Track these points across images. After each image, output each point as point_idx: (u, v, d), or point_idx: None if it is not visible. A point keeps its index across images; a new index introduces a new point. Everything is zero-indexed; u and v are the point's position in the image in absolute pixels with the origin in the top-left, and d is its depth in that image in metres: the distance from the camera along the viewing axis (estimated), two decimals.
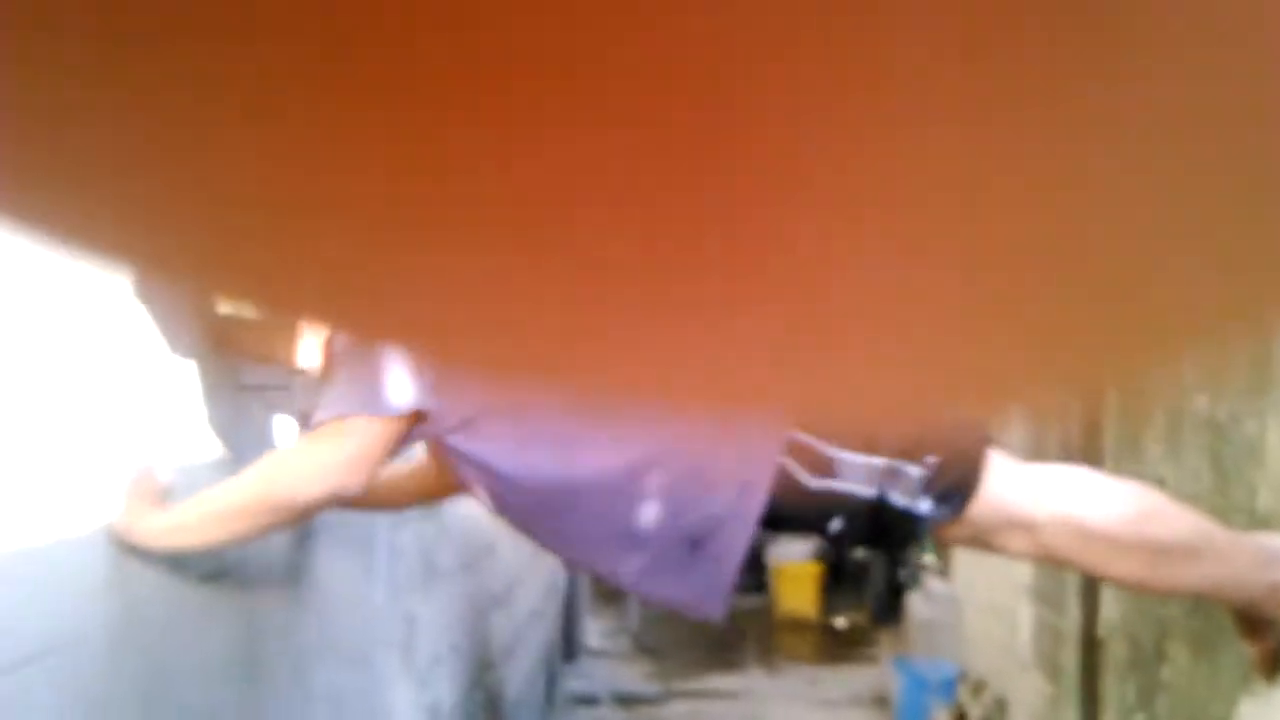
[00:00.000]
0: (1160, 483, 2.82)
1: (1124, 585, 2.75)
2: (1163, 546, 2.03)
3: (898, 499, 1.94)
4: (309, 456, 1.89)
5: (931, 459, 1.95)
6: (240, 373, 2.26)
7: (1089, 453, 3.39)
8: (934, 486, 1.95)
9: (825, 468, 1.93)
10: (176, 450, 2.04)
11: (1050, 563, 2.23)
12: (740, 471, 1.94)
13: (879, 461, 1.92)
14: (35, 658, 1.64)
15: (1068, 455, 3.52)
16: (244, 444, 2.25)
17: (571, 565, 2.31)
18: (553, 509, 2.03)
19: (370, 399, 1.86)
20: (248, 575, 2.29)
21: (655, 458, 1.94)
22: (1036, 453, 4.10)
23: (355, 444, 1.85)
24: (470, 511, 3.78)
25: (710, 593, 2.08)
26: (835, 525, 1.98)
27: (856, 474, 1.93)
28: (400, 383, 1.87)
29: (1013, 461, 2.13)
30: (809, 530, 2.01)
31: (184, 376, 2.06)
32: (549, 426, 1.94)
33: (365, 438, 1.86)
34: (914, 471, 1.94)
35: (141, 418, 1.93)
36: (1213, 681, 2.55)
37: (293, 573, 2.51)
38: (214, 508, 1.90)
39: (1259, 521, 2.33)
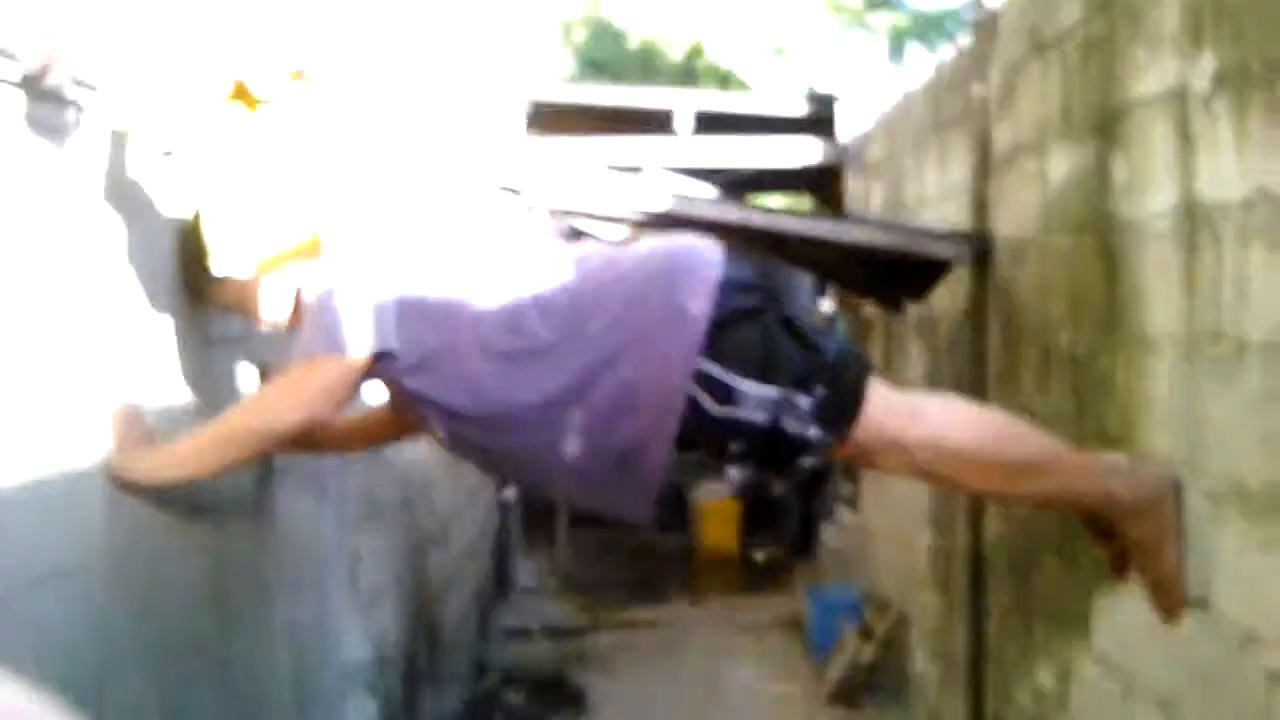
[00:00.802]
0: (1031, 411, 3.16)
1: (982, 496, 3.11)
2: (1014, 464, 2.38)
3: (790, 425, 2.24)
4: (286, 391, 2.16)
5: (820, 390, 2.25)
6: (208, 327, 2.50)
7: (975, 384, 3.73)
8: (821, 415, 2.25)
9: (727, 398, 2.23)
10: (151, 397, 2.27)
11: (920, 478, 2.55)
12: (658, 398, 2.23)
13: (773, 392, 2.22)
14: (49, 578, 1.89)
15: (958, 386, 3.87)
16: (211, 392, 2.49)
17: (518, 484, 2.60)
18: (498, 436, 2.32)
19: (338, 341, 2.12)
20: (217, 513, 2.53)
21: (583, 388, 2.23)
22: (932, 382, 4.45)
23: (325, 379, 2.12)
24: (408, 455, 4.04)
25: (637, 501, 2.38)
26: (735, 447, 2.28)
27: (753, 403, 2.22)
28: (364, 327, 2.13)
29: (890, 390, 2.45)
30: (714, 452, 2.31)
31: (157, 331, 2.29)
32: (490, 363, 2.22)
33: (334, 374, 2.13)
34: (803, 402, 2.24)
35: (121, 368, 2.17)
36: (1075, 583, 2.90)
37: (254, 511, 2.75)
38: (204, 440, 2.16)
39: (1110, 443, 2.67)
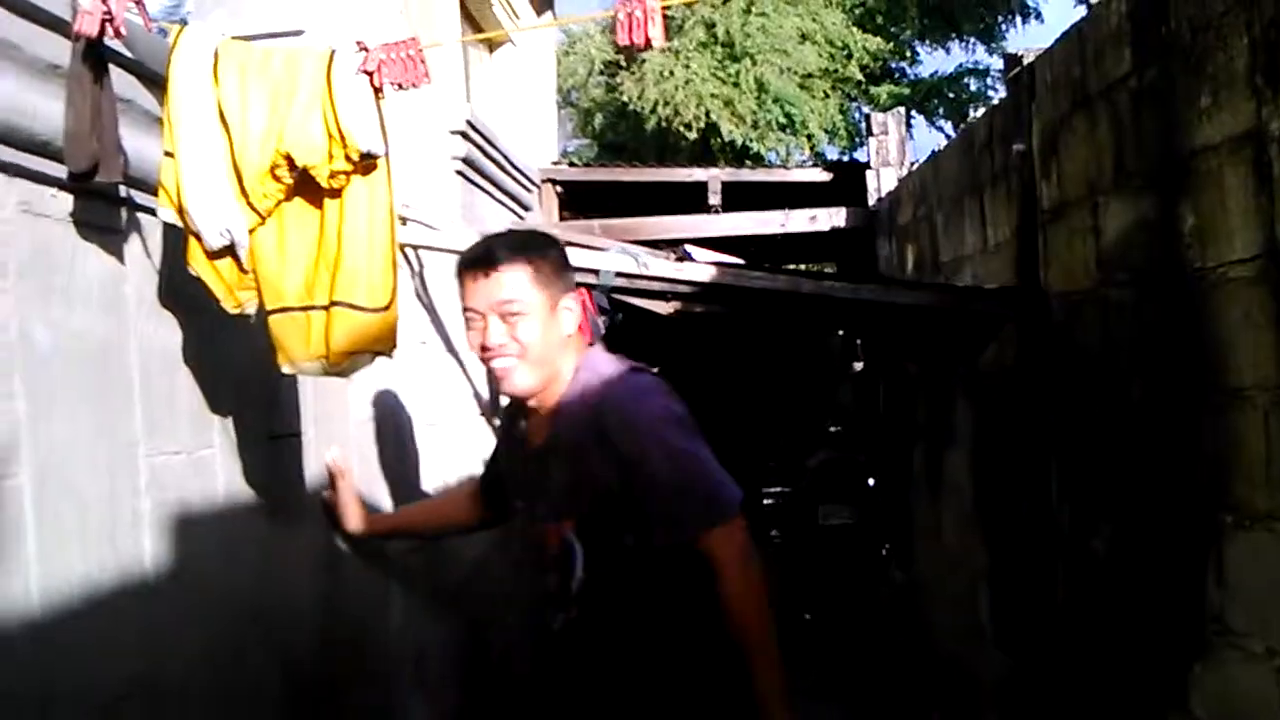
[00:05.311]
0: (1101, 468, 3.08)
1: None
2: None
3: None
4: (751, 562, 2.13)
5: None
6: (271, 422, 2.45)
7: (1033, 440, 3.65)
8: None
9: None
10: (218, 493, 2.22)
11: None
12: None
13: None
14: (119, 700, 1.83)
15: (1013, 441, 3.80)
16: (274, 487, 2.44)
17: None
18: None
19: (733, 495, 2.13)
20: (287, 614, 2.47)
21: None
22: (981, 440, 4.37)
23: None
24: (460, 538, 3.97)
25: None
26: None
27: None
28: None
29: None
30: None
31: (221, 428, 2.24)
32: None
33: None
34: None
35: (184, 468, 2.12)
36: (1166, 646, 2.80)
37: (324, 606, 2.69)
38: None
39: (1198, 496, 2.59)
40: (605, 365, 2.18)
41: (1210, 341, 2.47)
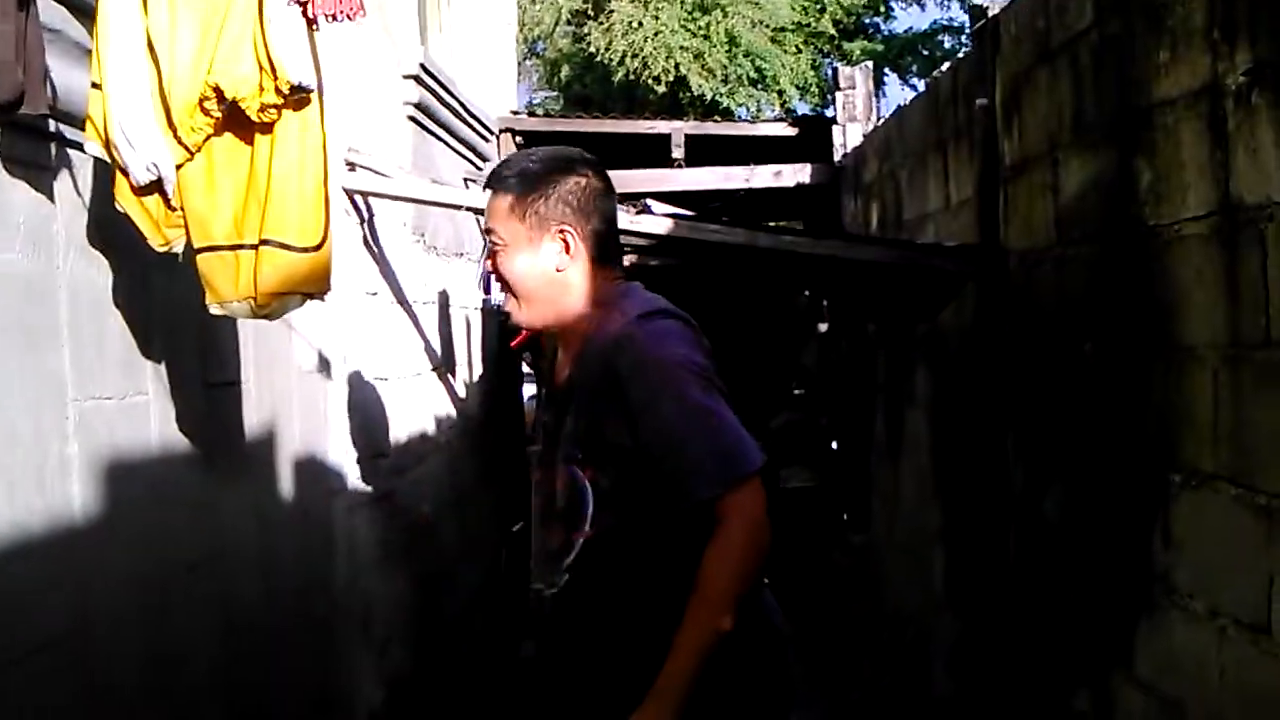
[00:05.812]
0: (1057, 425, 3.07)
1: None
2: None
3: None
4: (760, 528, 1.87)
5: None
6: (207, 371, 2.40)
7: (990, 399, 3.64)
8: None
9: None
10: (149, 443, 2.17)
11: None
12: None
13: None
14: (43, 648, 1.78)
15: (970, 402, 3.79)
16: (209, 435, 2.38)
17: None
18: None
19: (752, 456, 1.85)
20: (224, 566, 2.42)
21: None
22: (939, 400, 4.37)
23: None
24: (412, 496, 3.94)
25: None
26: None
27: None
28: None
29: None
30: None
31: (151, 375, 2.19)
32: None
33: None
34: None
35: (116, 415, 2.06)
36: (1113, 606, 2.80)
37: (264, 560, 2.64)
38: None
39: (1149, 453, 2.58)
40: (633, 304, 1.93)
41: (1163, 299, 2.45)
